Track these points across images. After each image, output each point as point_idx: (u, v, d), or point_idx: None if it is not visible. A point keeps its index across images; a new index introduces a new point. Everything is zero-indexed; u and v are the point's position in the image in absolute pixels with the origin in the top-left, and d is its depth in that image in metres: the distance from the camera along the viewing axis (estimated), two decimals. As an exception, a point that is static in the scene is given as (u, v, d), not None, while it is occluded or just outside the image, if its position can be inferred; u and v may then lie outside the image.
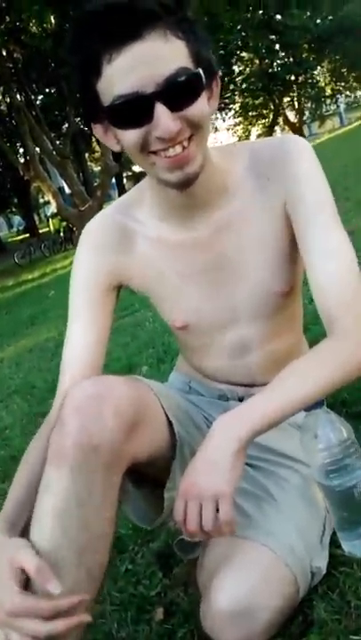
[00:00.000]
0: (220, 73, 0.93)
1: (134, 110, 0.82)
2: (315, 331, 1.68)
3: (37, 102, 17.08)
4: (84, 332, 1.05)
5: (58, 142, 16.19)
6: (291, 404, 0.86)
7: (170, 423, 1.01)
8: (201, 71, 0.84)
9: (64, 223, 15.95)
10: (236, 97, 31.79)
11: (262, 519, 0.98)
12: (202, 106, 0.85)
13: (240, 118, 33.55)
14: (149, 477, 1.01)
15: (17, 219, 39.71)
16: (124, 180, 28.79)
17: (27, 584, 0.77)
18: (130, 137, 0.85)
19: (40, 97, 18.68)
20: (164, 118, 0.81)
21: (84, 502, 0.81)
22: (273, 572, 0.90)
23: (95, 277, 1.06)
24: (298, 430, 1.08)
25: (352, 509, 0.99)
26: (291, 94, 31.85)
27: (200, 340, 1.12)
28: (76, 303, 1.07)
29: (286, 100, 32.41)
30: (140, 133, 0.83)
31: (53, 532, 0.80)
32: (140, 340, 3.43)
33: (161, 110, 0.81)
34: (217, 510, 0.82)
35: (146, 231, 1.05)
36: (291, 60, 28.95)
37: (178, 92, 0.81)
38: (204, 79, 0.84)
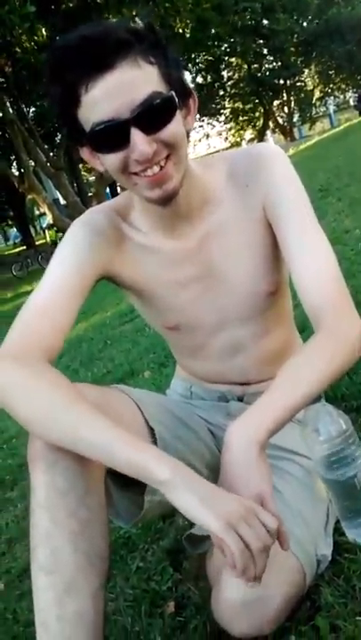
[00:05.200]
0: (195, 95, 0.97)
1: (112, 136, 0.86)
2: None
3: (30, 115, 17.13)
4: (62, 293, 0.99)
5: (52, 154, 16.22)
6: (295, 403, 0.87)
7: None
8: (173, 93, 0.88)
9: (60, 234, 15.97)
10: (226, 102, 31.95)
11: None
12: (176, 127, 0.89)
13: (231, 123, 33.71)
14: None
15: (13, 231, 39.72)
16: (119, 190, 28.84)
17: None
18: (111, 160, 0.90)
19: (33, 109, 18.73)
20: (139, 142, 0.85)
21: (67, 492, 0.84)
22: (281, 562, 0.92)
23: (88, 257, 1.02)
24: (298, 425, 1.11)
25: (354, 498, 1.02)
26: (280, 98, 32.01)
27: (192, 342, 1.15)
28: (58, 270, 1.01)
29: (276, 103, 32.58)
30: (120, 157, 0.88)
31: (44, 524, 0.84)
32: (141, 346, 3.46)
33: (136, 134, 0.85)
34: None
35: (137, 237, 1.08)
36: (279, 63, 29.08)
37: (151, 115, 0.85)
38: (176, 101, 0.89)
